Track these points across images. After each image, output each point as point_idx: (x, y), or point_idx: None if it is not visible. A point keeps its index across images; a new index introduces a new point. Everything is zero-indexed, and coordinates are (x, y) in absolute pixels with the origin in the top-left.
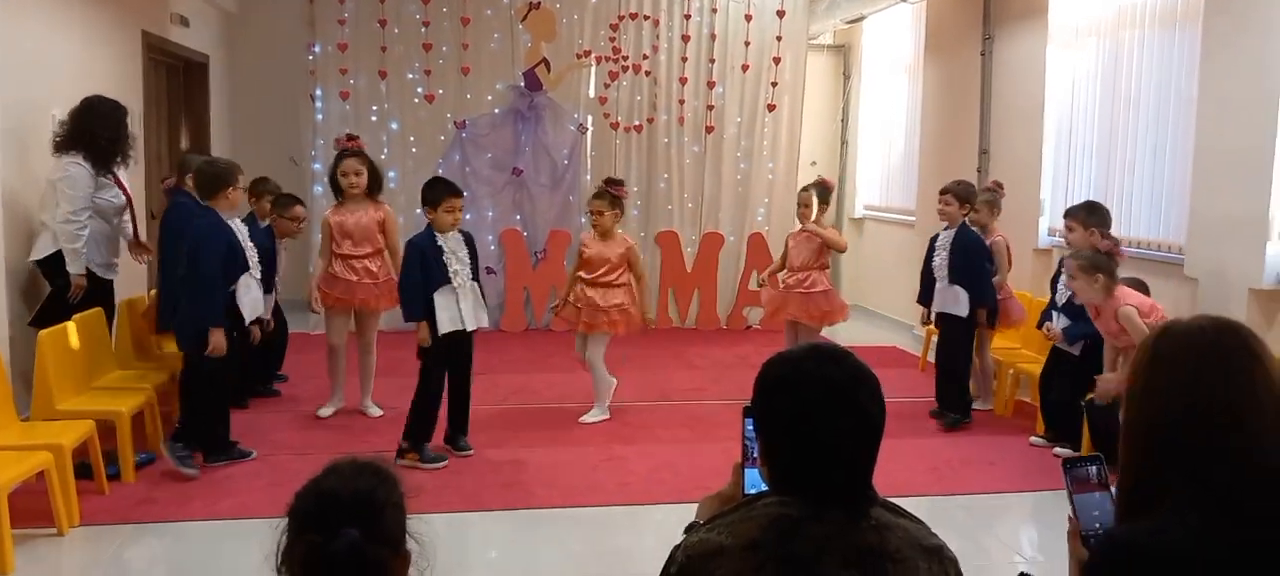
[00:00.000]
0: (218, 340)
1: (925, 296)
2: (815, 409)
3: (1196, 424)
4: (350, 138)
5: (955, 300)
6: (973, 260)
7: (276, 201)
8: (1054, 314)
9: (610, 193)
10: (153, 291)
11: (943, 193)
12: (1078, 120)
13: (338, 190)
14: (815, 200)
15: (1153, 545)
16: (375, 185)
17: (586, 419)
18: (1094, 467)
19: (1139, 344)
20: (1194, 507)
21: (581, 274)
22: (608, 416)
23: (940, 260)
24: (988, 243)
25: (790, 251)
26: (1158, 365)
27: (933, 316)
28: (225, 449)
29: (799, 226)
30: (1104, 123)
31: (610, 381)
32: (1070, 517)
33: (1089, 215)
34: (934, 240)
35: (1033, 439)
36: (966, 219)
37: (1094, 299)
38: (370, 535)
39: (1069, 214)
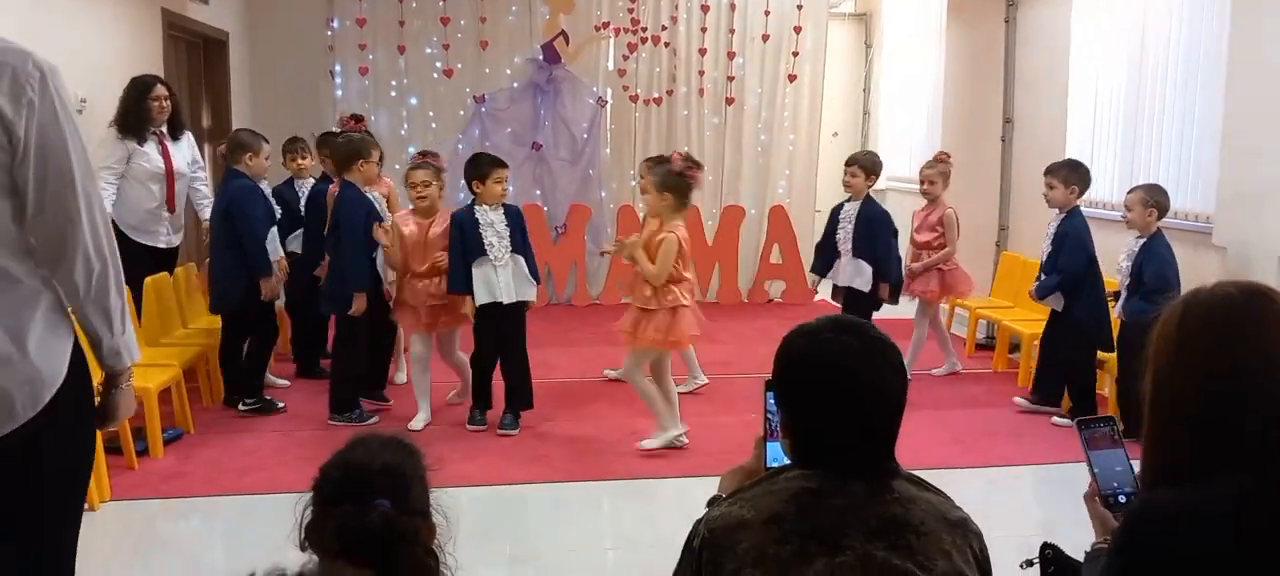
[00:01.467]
0: (361, 303)
1: (821, 265)
2: (835, 380)
3: (1232, 392)
4: (355, 118)
5: (859, 274)
6: (877, 234)
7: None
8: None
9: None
10: (195, 264)
11: (848, 163)
12: (1103, 88)
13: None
14: None
15: (1193, 513)
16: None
17: (646, 444)
18: (1108, 427)
19: (1163, 315)
20: (1233, 476)
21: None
22: (675, 441)
23: (844, 233)
24: (938, 216)
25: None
26: (1188, 335)
27: (833, 289)
28: (350, 406)
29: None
30: (1130, 90)
31: (660, 394)
32: (1090, 480)
33: (1072, 172)
34: (837, 211)
35: (1017, 400)
36: (924, 192)
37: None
38: (400, 505)
39: (1050, 170)
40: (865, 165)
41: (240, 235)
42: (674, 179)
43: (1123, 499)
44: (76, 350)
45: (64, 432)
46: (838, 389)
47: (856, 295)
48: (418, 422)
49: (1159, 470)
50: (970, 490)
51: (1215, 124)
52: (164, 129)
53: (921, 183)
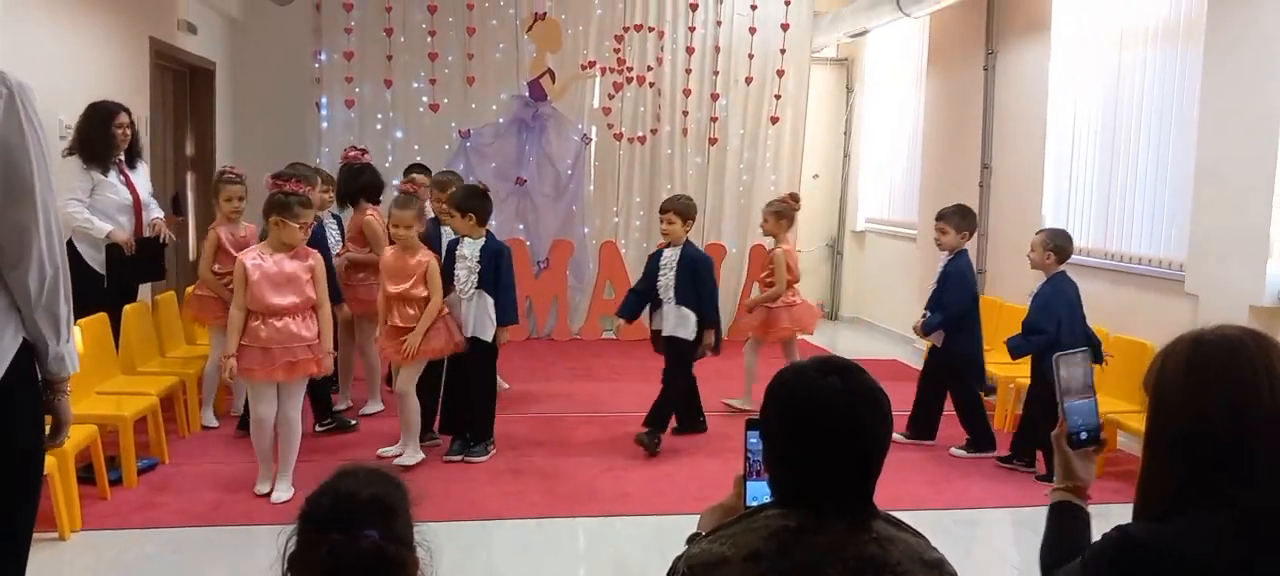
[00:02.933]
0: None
1: (629, 309)
2: (824, 422)
3: (1234, 431)
4: (361, 151)
5: (682, 322)
6: (701, 279)
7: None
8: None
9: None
10: (175, 293)
11: (664, 210)
12: (1079, 136)
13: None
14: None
15: (1170, 547)
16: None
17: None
18: (1083, 368)
19: (1166, 352)
20: (1218, 512)
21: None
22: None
23: (665, 280)
24: (778, 250)
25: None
26: (1194, 372)
27: (653, 337)
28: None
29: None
30: (1105, 138)
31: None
32: (1059, 421)
33: (962, 219)
34: (656, 258)
35: (954, 450)
36: (762, 229)
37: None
38: (387, 536)
39: (942, 215)
40: (680, 211)
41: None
42: (787, 207)
43: (1083, 437)
44: (24, 349)
45: (10, 431)
46: (826, 430)
47: (679, 343)
48: (409, 458)
49: (1148, 496)
50: (943, 531)
51: (1187, 173)
52: (122, 158)
53: (763, 222)
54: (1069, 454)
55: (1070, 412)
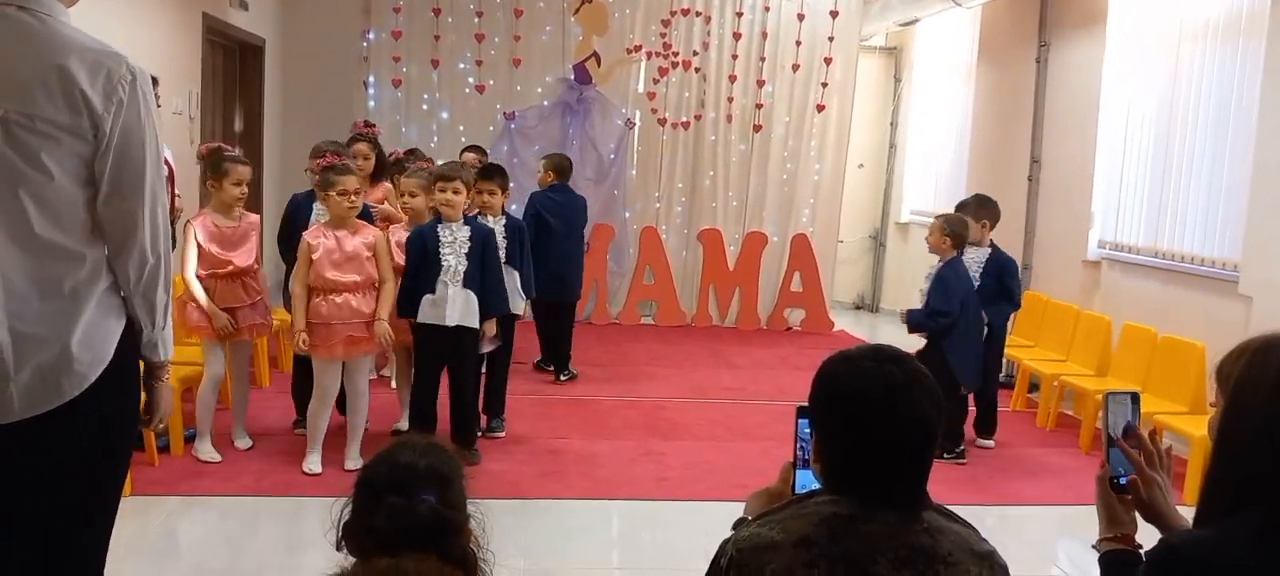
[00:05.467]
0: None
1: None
2: (876, 409)
3: None
4: (367, 125)
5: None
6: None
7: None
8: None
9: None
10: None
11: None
12: (1132, 132)
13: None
14: None
15: (1211, 557)
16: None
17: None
18: (1132, 407)
19: (1256, 348)
20: (1263, 514)
21: None
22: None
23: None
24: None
25: None
26: None
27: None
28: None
29: None
30: (1160, 135)
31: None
32: (1103, 463)
33: (946, 222)
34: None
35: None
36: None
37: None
38: (444, 502)
39: (936, 221)
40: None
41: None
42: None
43: (1123, 481)
44: (125, 336)
45: (108, 413)
46: (877, 417)
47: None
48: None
49: (1216, 498)
50: (981, 527)
51: (1244, 173)
52: None
53: None
54: (1112, 498)
55: (1114, 456)
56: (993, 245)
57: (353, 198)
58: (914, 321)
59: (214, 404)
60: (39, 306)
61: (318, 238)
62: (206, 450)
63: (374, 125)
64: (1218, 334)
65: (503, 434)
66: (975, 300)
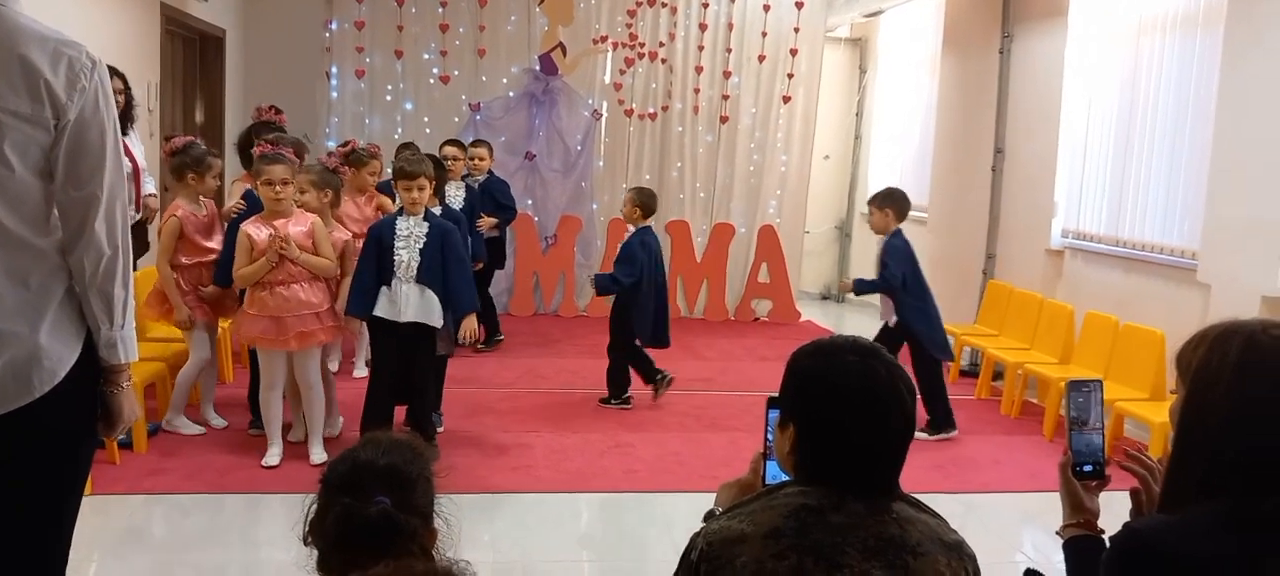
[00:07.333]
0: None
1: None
2: (851, 401)
3: (1272, 435)
4: (274, 110)
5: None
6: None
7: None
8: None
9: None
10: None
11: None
12: (1094, 122)
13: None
14: None
15: (1176, 542)
16: None
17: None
18: (1095, 395)
19: (1210, 343)
20: (1215, 506)
21: None
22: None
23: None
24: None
25: None
26: (1249, 379)
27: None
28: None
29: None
30: (1120, 125)
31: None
32: (1065, 450)
33: (889, 200)
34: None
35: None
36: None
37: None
38: (402, 504)
39: (871, 200)
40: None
41: None
42: None
43: (1088, 470)
44: (89, 340)
45: (69, 415)
46: (852, 409)
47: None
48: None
49: (1179, 489)
50: (947, 515)
51: (1203, 162)
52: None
53: None
54: (1075, 485)
55: (1076, 443)
56: (898, 233)
57: (278, 188)
58: (864, 284)
59: (191, 387)
60: (9, 301)
61: (257, 228)
62: (187, 425)
63: (282, 111)
64: (1177, 321)
65: (441, 429)
66: (920, 271)
